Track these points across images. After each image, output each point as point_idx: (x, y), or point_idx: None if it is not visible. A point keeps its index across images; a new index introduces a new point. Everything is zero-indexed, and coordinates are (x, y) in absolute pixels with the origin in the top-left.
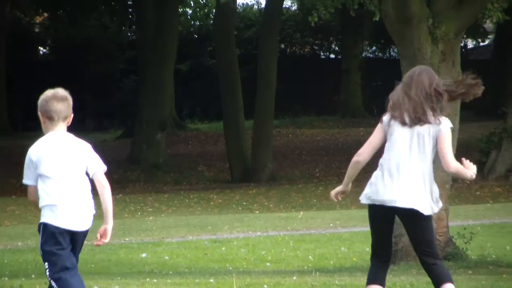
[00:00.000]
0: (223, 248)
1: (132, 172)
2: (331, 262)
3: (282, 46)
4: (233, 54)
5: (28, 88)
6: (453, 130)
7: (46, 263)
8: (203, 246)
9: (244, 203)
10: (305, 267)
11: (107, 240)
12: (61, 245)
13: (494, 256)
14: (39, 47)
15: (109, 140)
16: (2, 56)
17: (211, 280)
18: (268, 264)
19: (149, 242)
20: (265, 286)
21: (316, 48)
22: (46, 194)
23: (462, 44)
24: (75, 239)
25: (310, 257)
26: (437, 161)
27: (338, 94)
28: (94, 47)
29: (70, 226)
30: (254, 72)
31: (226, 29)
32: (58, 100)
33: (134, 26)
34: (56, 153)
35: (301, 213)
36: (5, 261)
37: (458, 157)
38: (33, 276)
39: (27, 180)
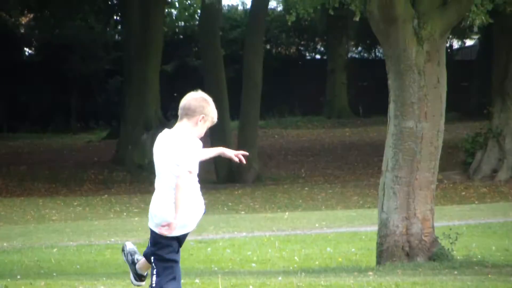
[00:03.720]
0: (209, 248)
1: (117, 173)
2: (317, 262)
3: (268, 46)
4: (218, 55)
5: (13, 89)
6: (438, 131)
7: None
8: (189, 246)
9: (230, 204)
10: (291, 268)
11: (168, 234)
12: None
13: (479, 256)
14: (24, 48)
15: (94, 141)
16: None
17: (197, 281)
18: (253, 264)
19: (134, 243)
20: (251, 286)
21: (301, 48)
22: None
23: (447, 45)
24: None
25: (295, 257)
26: (422, 160)
27: (323, 95)
28: (79, 47)
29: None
30: (240, 73)
31: (211, 30)
32: (187, 98)
33: (119, 26)
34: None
35: (287, 213)
36: None
37: (444, 157)
38: (18, 277)
39: None
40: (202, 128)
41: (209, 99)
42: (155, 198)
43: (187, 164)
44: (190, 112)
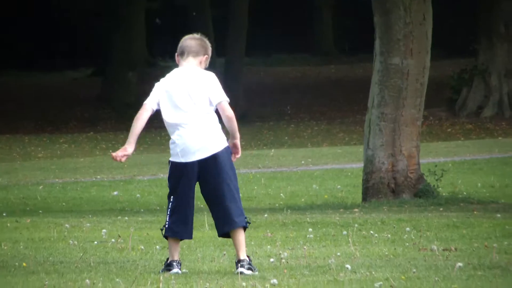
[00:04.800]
0: None
1: (103, 111)
2: (303, 199)
3: None
4: None
5: None
6: (423, 68)
7: None
8: None
9: None
10: (277, 205)
11: (239, 154)
12: None
13: (465, 193)
14: None
15: (80, 79)
16: None
17: None
18: None
19: (120, 180)
20: None
21: None
22: None
23: None
24: None
25: (281, 194)
26: (408, 97)
27: (310, 32)
28: None
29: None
30: (226, 10)
31: None
32: (191, 38)
33: None
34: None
35: (273, 150)
36: None
37: (430, 94)
38: (4, 214)
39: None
40: (203, 67)
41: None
42: (195, 132)
43: (224, 95)
44: (197, 52)
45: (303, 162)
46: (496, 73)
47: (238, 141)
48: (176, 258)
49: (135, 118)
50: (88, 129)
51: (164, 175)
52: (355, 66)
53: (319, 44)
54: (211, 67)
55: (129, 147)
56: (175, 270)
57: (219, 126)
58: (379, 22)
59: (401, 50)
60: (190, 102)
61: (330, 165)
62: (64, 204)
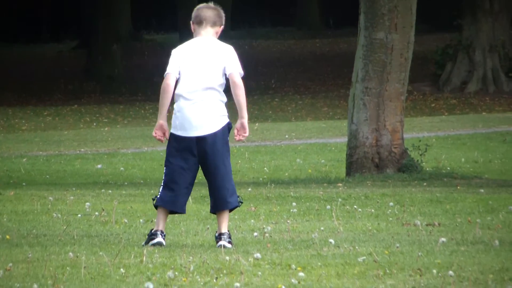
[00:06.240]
0: None
1: (87, 83)
2: (286, 173)
3: None
4: None
5: None
6: (408, 42)
7: None
8: (158, 157)
9: None
10: (261, 179)
11: (246, 134)
12: None
13: (448, 168)
14: None
15: (64, 51)
16: None
17: None
18: None
19: (104, 153)
20: None
21: None
22: None
23: None
24: None
25: (265, 168)
26: (392, 71)
27: (294, 6)
28: None
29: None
30: None
31: None
32: (207, 7)
33: None
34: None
35: (257, 124)
36: None
37: (414, 68)
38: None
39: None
40: (217, 37)
41: None
42: (197, 108)
43: (240, 67)
44: (214, 22)
45: (287, 136)
46: (480, 49)
47: (245, 121)
48: (161, 228)
49: (162, 90)
50: (72, 102)
51: (147, 148)
52: (339, 40)
53: (304, 18)
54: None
55: (164, 122)
56: (159, 239)
57: (223, 104)
58: None
59: (386, 25)
60: (204, 73)
61: (314, 139)
62: (48, 176)
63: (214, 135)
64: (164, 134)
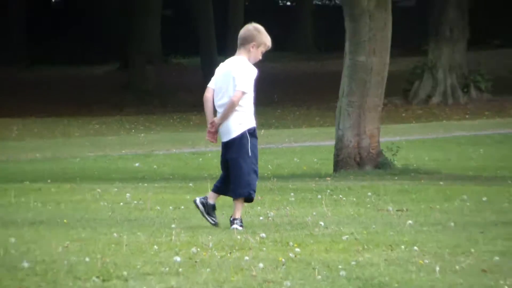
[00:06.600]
0: (200, 159)
1: (127, 97)
2: (286, 170)
3: None
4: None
5: (40, 28)
6: (384, 64)
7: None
8: (184, 157)
9: None
10: (265, 174)
11: (212, 130)
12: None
13: (415, 165)
14: None
15: (109, 71)
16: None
17: (190, 184)
18: None
19: (141, 154)
20: None
21: None
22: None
23: None
24: None
25: (269, 166)
26: (371, 88)
27: (293, 34)
28: None
29: None
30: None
31: None
32: (242, 29)
33: None
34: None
35: (262, 131)
36: (26, 170)
37: (389, 85)
38: (49, 181)
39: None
40: (256, 53)
41: (260, 28)
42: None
43: (243, 85)
44: (244, 42)
45: (287, 140)
46: (442, 69)
47: (217, 121)
48: (212, 202)
49: (204, 100)
50: (115, 113)
51: (176, 150)
52: (329, 62)
53: (301, 44)
54: (215, 64)
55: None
56: (212, 218)
57: (240, 113)
58: (349, 27)
59: (366, 50)
60: (223, 88)
61: (308, 142)
62: (96, 172)
63: (233, 140)
64: (214, 134)
